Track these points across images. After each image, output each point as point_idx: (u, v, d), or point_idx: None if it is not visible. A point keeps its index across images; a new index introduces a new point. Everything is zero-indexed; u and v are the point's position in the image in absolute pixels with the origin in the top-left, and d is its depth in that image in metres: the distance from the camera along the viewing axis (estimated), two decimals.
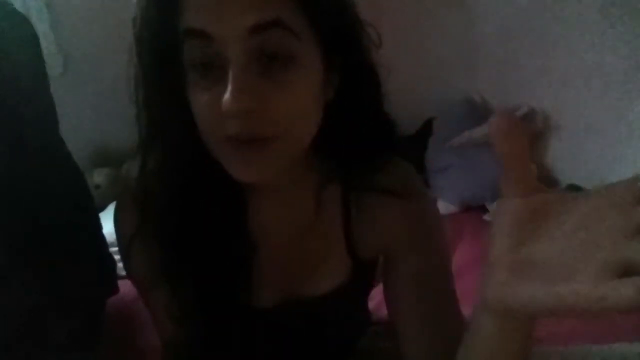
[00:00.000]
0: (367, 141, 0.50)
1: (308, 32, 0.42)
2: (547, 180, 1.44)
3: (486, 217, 1.37)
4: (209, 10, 0.39)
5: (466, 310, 0.77)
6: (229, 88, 0.38)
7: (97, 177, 1.46)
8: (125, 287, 0.83)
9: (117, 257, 0.73)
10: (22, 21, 0.68)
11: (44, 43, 1.42)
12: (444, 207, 1.43)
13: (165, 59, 0.42)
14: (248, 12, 0.38)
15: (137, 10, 0.44)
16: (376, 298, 0.74)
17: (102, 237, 0.78)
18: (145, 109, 0.46)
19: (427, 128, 1.64)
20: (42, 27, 1.42)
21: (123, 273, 0.60)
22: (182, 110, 0.43)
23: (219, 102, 0.39)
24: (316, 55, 0.43)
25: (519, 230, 0.30)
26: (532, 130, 1.46)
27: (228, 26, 0.38)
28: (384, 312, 0.62)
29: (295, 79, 0.41)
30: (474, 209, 1.41)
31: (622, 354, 0.80)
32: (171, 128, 0.45)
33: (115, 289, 0.80)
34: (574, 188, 1.28)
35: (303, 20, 0.41)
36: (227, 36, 0.39)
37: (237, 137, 0.40)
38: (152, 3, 0.43)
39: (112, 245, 0.66)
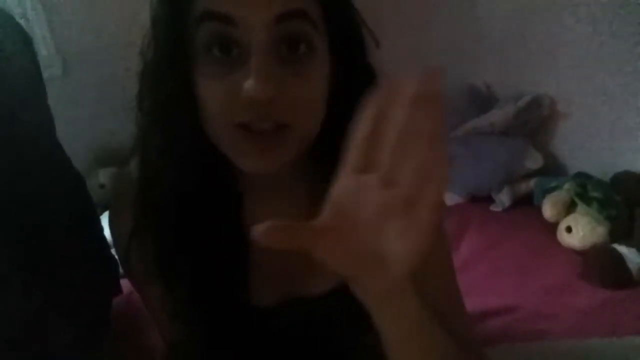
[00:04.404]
0: None
1: (323, 24, 0.42)
2: (554, 168, 1.42)
3: (493, 207, 1.36)
4: None
5: (475, 300, 0.77)
6: (253, 75, 0.37)
7: (102, 177, 1.47)
8: (129, 286, 0.83)
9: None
10: (11, 21, 0.67)
11: (42, 45, 1.43)
12: (450, 198, 1.41)
13: (178, 42, 0.42)
14: (276, 0, 0.38)
15: None
16: None
17: (104, 238, 0.78)
18: (151, 94, 0.45)
19: None
20: (40, 29, 1.42)
21: None
22: (188, 98, 0.42)
23: (234, 89, 0.38)
24: (326, 48, 0.43)
25: None
26: (538, 118, 1.44)
27: (256, 13, 0.38)
28: None
29: (313, 69, 0.42)
30: (480, 200, 1.39)
31: (623, 347, 0.79)
32: (176, 115, 0.44)
33: (118, 290, 0.80)
34: (582, 176, 1.26)
35: (319, 11, 0.41)
36: (253, 22, 0.38)
37: (250, 124, 0.40)
38: None
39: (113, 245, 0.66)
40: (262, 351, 0.55)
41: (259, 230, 0.30)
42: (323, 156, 0.50)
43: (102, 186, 1.44)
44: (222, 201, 0.49)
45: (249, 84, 0.37)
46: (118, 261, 0.81)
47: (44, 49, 1.43)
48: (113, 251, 0.74)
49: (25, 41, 0.69)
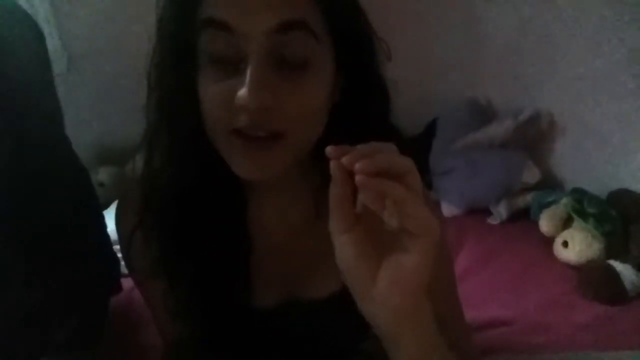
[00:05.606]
0: None
1: (326, 34, 0.42)
2: (552, 183, 1.43)
3: (490, 220, 1.37)
4: (234, 2, 0.39)
5: (471, 312, 0.77)
6: (247, 84, 0.38)
7: (101, 175, 1.47)
8: (129, 285, 0.83)
9: (119, 255, 0.73)
10: (25, 17, 0.68)
11: (48, 42, 1.43)
12: (448, 210, 1.42)
13: (183, 44, 0.42)
14: (275, 10, 0.39)
15: None
16: None
17: (106, 236, 0.78)
18: (156, 93, 0.46)
19: (430, 129, 1.64)
20: (46, 26, 1.42)
21: (126, 271, 0.61)
22: (192, 99, 0.43)
23: (231, 95, 0.39)
24: (330, 58, 0.44)
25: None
26: (537, 133, 1.45)
27: (253, 22, 0.39)
28: None
29: (311, 80, 0.42)
30: (477, 212, 1.40)
31: None
32: (180, 115, 0.45)
33: (118, 288, 0.80)
34: (579, 192, 1.27)
35: (322, 22, 0.41)
36: (251, 32, 0.39)
37: (245, 130, 0.40)
38: None
39: (115, 243, 0.66)
40: (261, 352, 0.55)
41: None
42: (327, 158, 0.51)
43: (101, 184, 1.43)
44: (225, 201, 0.49)
45: (242, 93, 0.38)
46: (120, 259, 0.81)
47: (50, 45, 1.43)
48: (116, 248, 0.74)
49: (37, 34, 0.69)
